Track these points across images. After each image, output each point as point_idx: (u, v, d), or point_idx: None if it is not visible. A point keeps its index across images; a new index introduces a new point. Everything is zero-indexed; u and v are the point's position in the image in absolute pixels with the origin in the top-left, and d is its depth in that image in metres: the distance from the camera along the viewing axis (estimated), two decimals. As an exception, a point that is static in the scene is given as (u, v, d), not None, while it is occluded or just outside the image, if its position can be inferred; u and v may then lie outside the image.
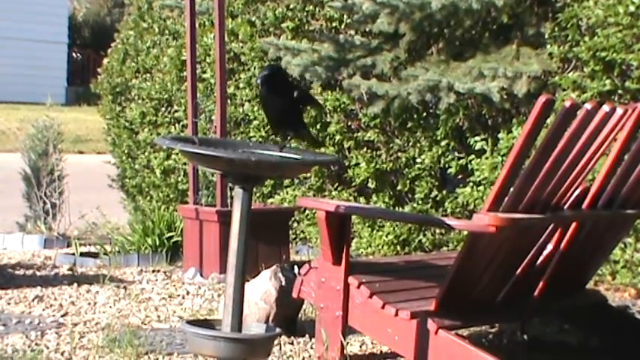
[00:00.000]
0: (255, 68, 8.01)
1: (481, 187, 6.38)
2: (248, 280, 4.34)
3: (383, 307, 3.92)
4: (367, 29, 7.05)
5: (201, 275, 6.32)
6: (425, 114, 6.93)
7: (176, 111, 8.98)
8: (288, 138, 3.72)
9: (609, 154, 4.15)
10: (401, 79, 6.75)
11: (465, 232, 4.51)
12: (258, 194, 7.98)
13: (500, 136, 6.33)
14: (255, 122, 7.92)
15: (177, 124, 8.97)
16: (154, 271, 6.57)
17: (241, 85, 8.10)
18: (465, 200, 6.52)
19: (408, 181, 7.03)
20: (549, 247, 4.21)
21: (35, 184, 8.21)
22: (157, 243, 6.93)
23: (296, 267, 5.27)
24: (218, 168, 3.55)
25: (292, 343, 4.60)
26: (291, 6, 7.82)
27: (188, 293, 5.84)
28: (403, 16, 6.65)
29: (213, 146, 3.52)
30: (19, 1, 25.85)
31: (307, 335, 4.67)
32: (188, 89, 6.89)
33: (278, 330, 3.64)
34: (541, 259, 4.21)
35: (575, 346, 4.77)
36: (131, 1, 10.91)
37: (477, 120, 6.68)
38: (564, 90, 6.01)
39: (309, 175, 7.59)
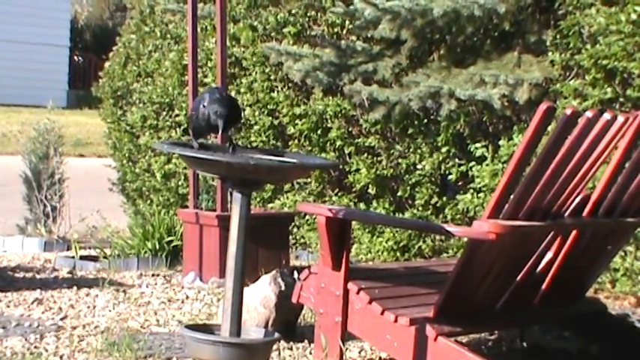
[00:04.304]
0: (256, 73, 8.02)
1: (481, 194, 6.38)
2: (247, 285, 4.34)
3: (382, 313, 3.92)
4: (369, 35, 7.05)
5: (201, 279, 6.31)
6: (426, 120, 6.93)
7: (177, 115, 8.98)
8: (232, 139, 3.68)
9: (610, 162, 4.14)
10: (402, 86, 6.76)
11: (465, 239, 4.51)
12: (258, 199, 7.98)
13: (500, 143, 6.33)
14: (256, 127, 7.92)
15: (178, 129, 8.97)
16: (153, 275, 6.57)
17: (242, 90, 8.10)
18: (465, 207, 6.52)
19: (408, 188, 7.03)
20: (549, 254, 4.21)
21: (36, 186, 8.21)
22: (157, 247, 6.92)
23: (296, 272, 5.27)
24: (216, 172, 3.55)
25: (291, 349, 4.60)
26: (293, 11, 7.83)
27: (187, 297, 5.84)
28: (405, 22, 6.65)
29: (211, 151, 3.52)
30: (21, 4, 25.86)
31: (306, 340, 4.67)
32: (189, 93, 6.89)
33: (277, 335, 3.64)
34: (541, 266, 4.21)
35: (575, 354, 4.76)
36: (133, 4, 10.92)
37: (477, 127, 6.68)
38: (565, 97, 6.01)
39: (309, 180, 7.59)
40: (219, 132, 3.58)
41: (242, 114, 3.83)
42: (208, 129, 3.54)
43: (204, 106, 3.47)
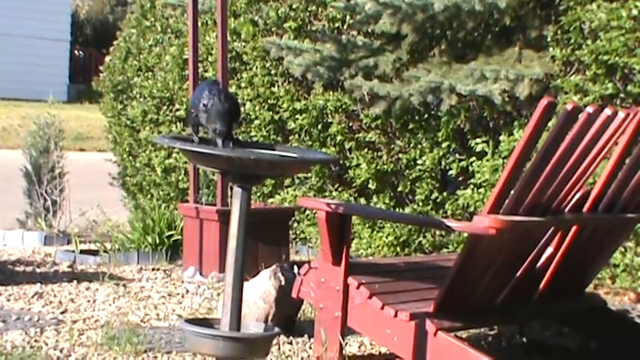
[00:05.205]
0: (257, 68, 8.01)
1: (482, 190, 6.38)
2: (247, 280, 4.34)
3: (382, 308, 3.92)
4: (369, 30, 7.05)
5: (201, 274, 6.32)
6: (426, 115, 6.93)
7: (177, 110, 8.98)
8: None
9: (610, 158, 4.14)
10: (403, 81, 6.75)
11: (465, 234, 4.51)
12: (258, 194, 7.98)
13: (501, 138, 6.33)
14: (257, 122, 7.92)
15: (178, 123, 8.97)
16: (153, 270, 6.57)
17: (243, 85, 8.10)
18: (465, 202, 6.52)
19: (408, 183, 7.03)
20: (549, 250, 4.20)
21: (36, 181, 8.21)
22: (157, 241, 6.93)
23: (296, 267, 5.27)
24: (217, 167, 3.54)
25: (291, 343, 4.60)
26: (294, 6, 7.82)
27: (187, 292, 5.85)
28: (406, 17, 6.65)
29: (212, 145, 3.51)
30: (22, -1, 25.88)
31: (306, 335, 4.67)
32: (190, 88, 6.90)
33: (277, 329, 3.64)
34: (541, 262, 4.21)
35: (574, 350, 4.77)
36: (134, -1, 10.92)
37: (478, 122, 6.68)
38: (566, 93, 6.01)
39: (309, 175, 7.59)
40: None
41: (241, 110, 3.81)
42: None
43: (204, 105, 3.47)
